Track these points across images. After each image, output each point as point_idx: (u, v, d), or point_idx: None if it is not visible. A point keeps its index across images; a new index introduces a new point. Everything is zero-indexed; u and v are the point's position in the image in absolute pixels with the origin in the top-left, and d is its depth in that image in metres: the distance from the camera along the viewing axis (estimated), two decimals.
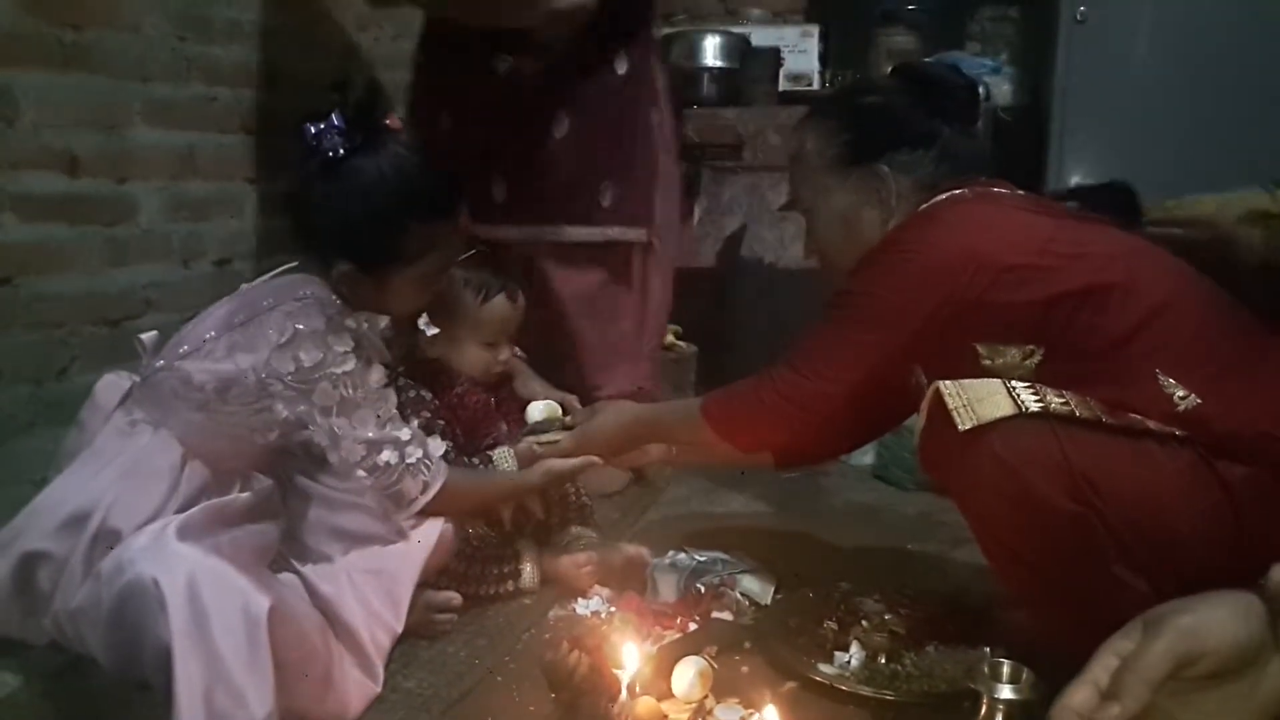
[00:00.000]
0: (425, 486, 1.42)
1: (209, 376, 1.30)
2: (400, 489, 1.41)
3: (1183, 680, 0.73)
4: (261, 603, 1.13)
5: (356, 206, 1.37)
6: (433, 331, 1.74)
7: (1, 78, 1.76)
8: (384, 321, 1.49)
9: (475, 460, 1.68)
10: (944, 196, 1.43)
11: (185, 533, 1.17)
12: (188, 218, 2.13)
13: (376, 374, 1.41)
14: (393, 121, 1.42)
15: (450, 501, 1.47)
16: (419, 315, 1.67)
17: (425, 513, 1.45)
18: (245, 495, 1.29)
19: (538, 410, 1.76)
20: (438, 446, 1.48)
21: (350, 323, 1.38)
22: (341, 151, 1.35)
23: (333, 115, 1.34)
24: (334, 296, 1.39)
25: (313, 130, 1.35)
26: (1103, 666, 0.75)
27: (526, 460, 1.64)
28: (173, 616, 1.08)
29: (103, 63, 1.92)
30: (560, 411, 1.77)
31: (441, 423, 1.70)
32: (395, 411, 1.43)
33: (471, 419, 1.74)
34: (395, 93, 2.74)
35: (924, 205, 1.44)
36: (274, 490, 1.37)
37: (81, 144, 1.90)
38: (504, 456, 1.69)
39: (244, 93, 2.20)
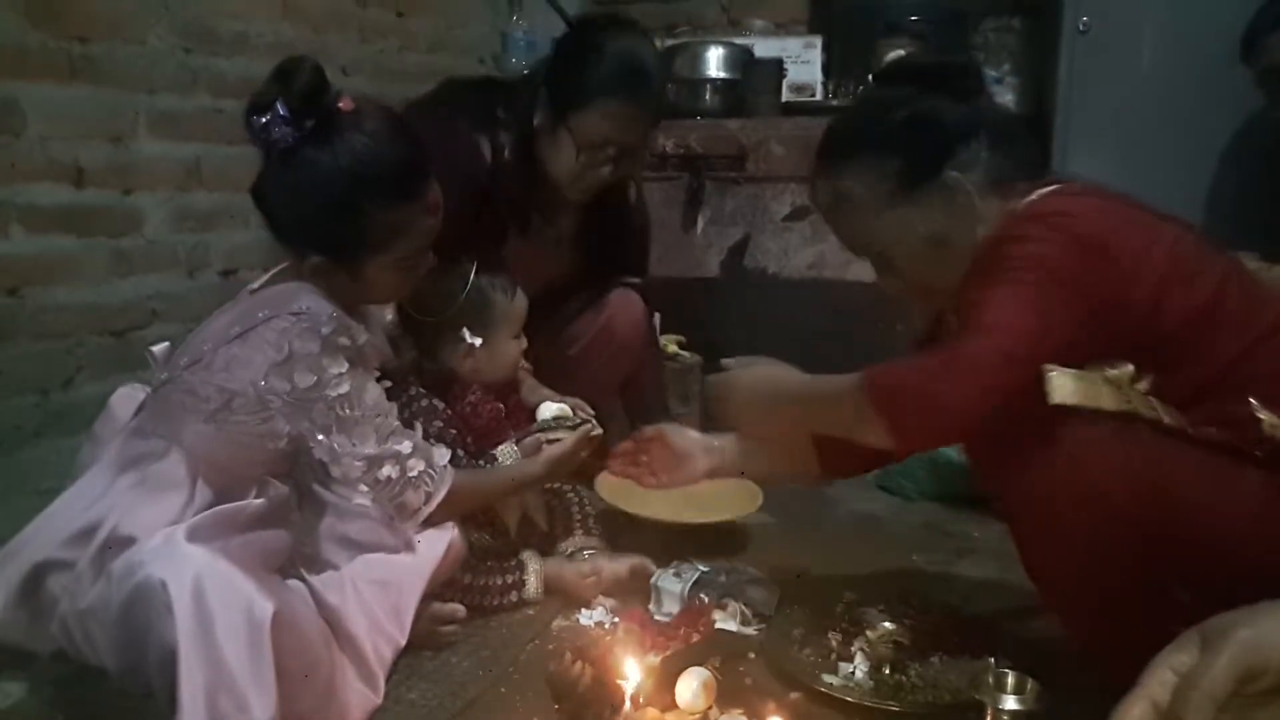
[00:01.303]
0: (428, 497, 1.43)
1: (212, 389, 1.30)
2: (403, 501, 1.41)
3: (1242, 696, 0.69)
4: (266, 608, 1.13)
5: (315, 198, 1.33)
6: (478, 342, 1.73)
7: (9, 90, 1.77)
8: (388, 315, 1.49)
9: (482, 463, 1.69)
10: (1053, 188, 1.33)
11: (195, 535, 1.17)
12: (193, 228, 2.14)
13: (374, 391, 1.40)
14: (345, 104, 1.34)
15: (457, 505, 1.47)
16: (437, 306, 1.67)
17: (432, 520, 1.45)
18: (258, 501, 1.30)
19: (548, 410, 1.78)
20: (442, 455, 1.48)
21: (344, 340, 1.36)
22: (291, 141, 1.29)
23: (277, 104, 1.27)
24: (329, 304, 1.36)
25: (260, 121, 1.28)
26: (1159, 682, 0.71)
27: (532, 454, 1.66)
28: (179, 619, 1.08)
29: (109, 75, 1.94)
30: (570, 412, 1.78)
31: (454, 431, 1.71)
32: (396, 424, 1.42)
33: (484, 427, 1.75)
34: (401, 105, 2.76)
35: (1033, 195, 1.32)
36: (289, 496, 1.38)
37: (88, 155, 1.91)
38: (508, 453, 1.70)
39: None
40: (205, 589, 1.11)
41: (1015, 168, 1.36)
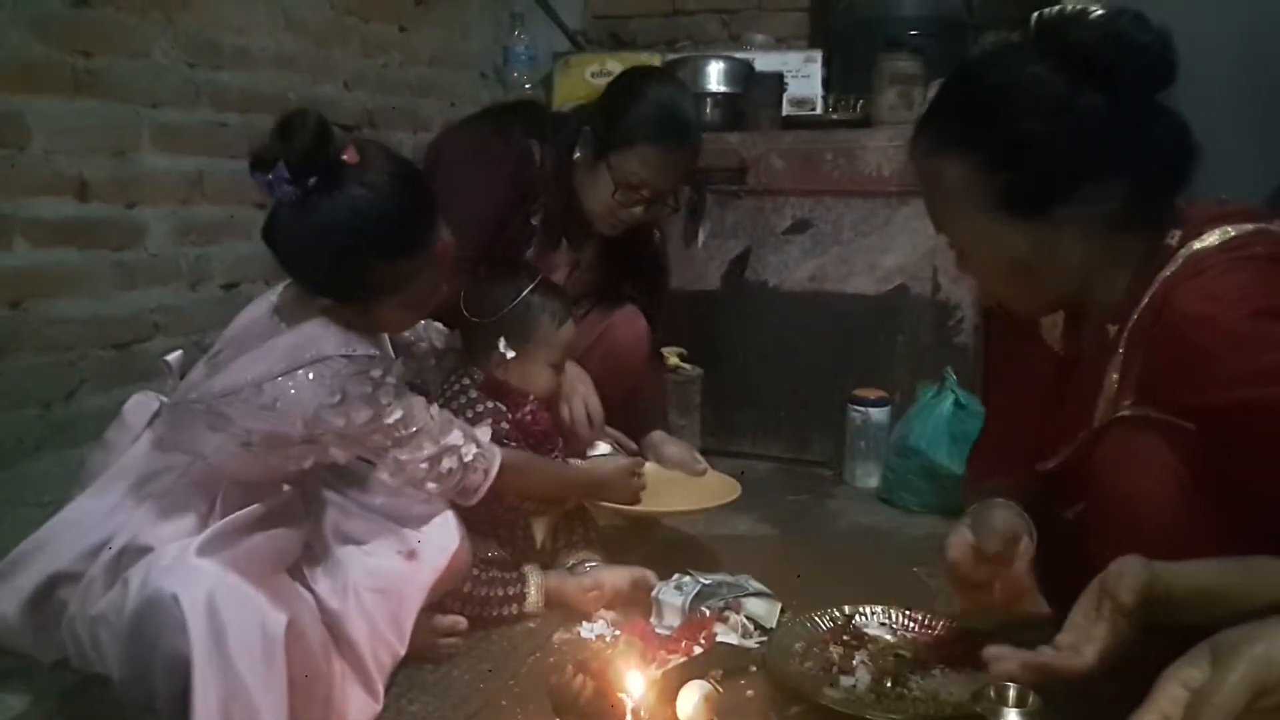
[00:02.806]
0: (485, 474, 1.52)
1: (254, 421, 1.29)
2: (465, 485, 1.49)
3: (1255, 713, 0.68)
4: (279, 620, 1.15)
5: (319, 249, 1.34)
6: (511, 354, 1.77)
7: (13, 104, 1.78)
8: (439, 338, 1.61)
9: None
10: (1251, 227, 1.13)
11: (206, 548, 1.19)
12: (196, 242, 2.15)
13: (419, 402, 1.44)
14: (349, 156, 1.33)
15: (516, 478, 1.59)
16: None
17: (494, 494, 1.55)
18: (259, 506, 1.30)
19: (601, 450, 1.95)
20: (484, 433, 1.58)
21: (391, 378, 1.39)
22: (294, 199, 1.29)
23: (279, 165, 1.27)
24: (364, 343, 1.38)
25: (264, 178, 1.29)
26: (1169, 698, 0.71)
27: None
28: (193, 634, 1.10)
29: (113, 89, 1.94)
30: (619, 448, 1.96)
31: (514, 440, 1.74)
32: (442, 417, 1.48)
33: (539, 436, 1.80)
34: (402, 118, 2.78)
35: (1210, 232, 1.13)
36: (294, 497, 1.39)
37: (92, 169, 1.91)
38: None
39: (253, 118, 2.21)
40: (218, 603, 1.12)
41: (1161, 202, 1.18)
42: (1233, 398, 1.04)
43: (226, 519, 1.26)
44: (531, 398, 1.79)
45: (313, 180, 1.29)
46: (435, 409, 1.47)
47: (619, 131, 1.94)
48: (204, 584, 1.13)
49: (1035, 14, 1.20)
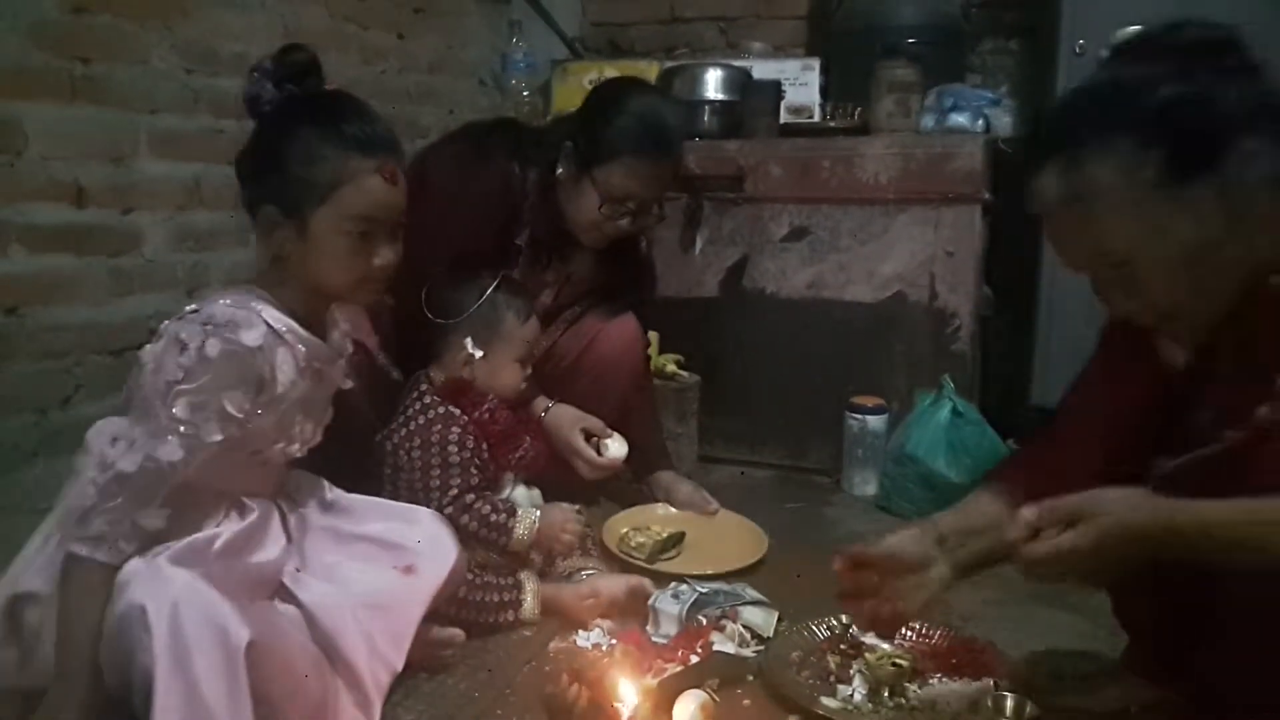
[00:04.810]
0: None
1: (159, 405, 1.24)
2: None
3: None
4: (242, 634, 1.13)
5: (275, 140, 1.35)
6: (479, 354, 1.77)
7: (10, 110, 1.78)
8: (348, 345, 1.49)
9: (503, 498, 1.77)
10: None
11: (178, 559, 1.18)
12: (192, 248, 2.15)
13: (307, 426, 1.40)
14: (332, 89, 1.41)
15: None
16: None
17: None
18: (231, 528, 1.29)
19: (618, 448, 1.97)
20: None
21: (285, 370, 1.31)
22: (269, 101, 1.35)
23: (266, 63, 1.35)
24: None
25: (252, 78, 1.35)
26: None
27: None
28: (156, 647, 1.09)
29: (111, 95, 1.94)
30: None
31: (472, 438, 1.74)
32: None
33: (500, 434, 1.79)
34: (401, 125, 2.77)
35: None
36: (271, 514, 1.38)
37: (88, 175, 1.92)
38: (525, 497, 1.82)
39: (250, 125, 2.21)
40: (182, 615, 1.11)
41: None
42: None
43: (200, 535, 1.25)
44: (490, 397, 1.79)
45: (290, 88, 1.35)
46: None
47: (601, 145, 1.91)
48: (171, 594, 1.12)
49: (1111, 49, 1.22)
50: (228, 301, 1.29)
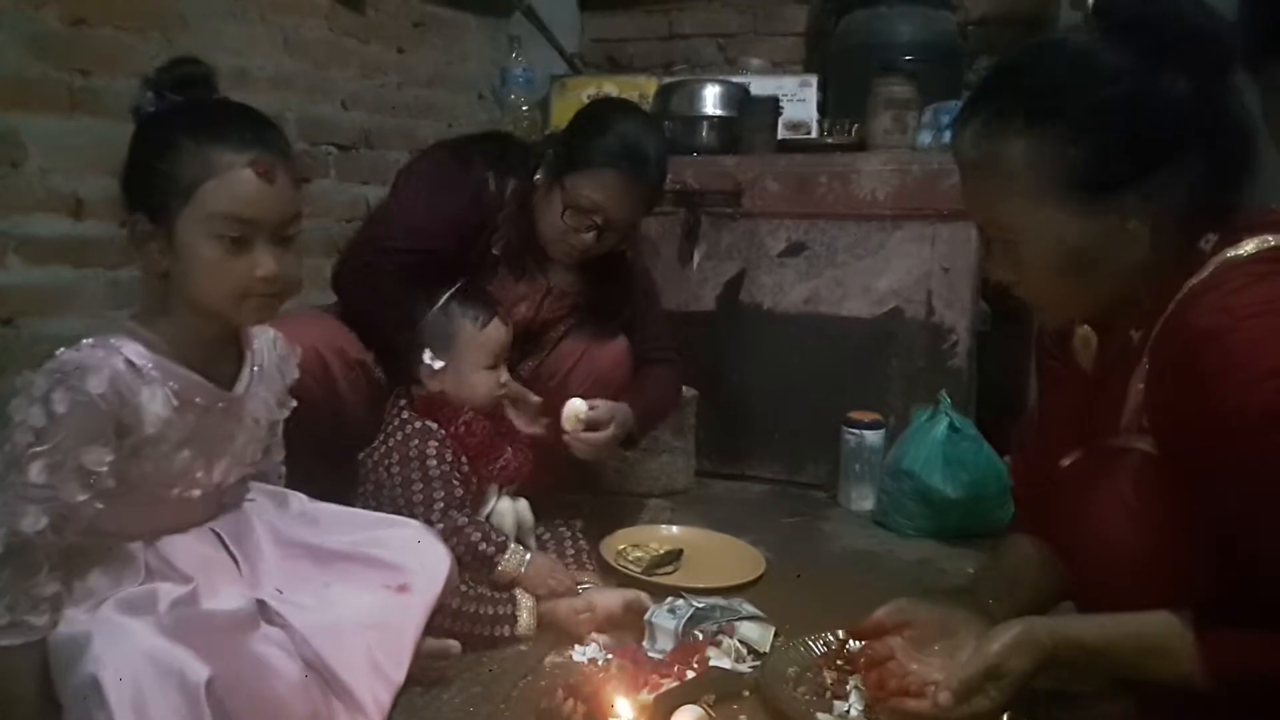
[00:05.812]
0: None
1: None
2: None
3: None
4: (200, 673, 1.10)
5: (147, 144, 1.24)
6: (438, 365, 1.76)
7: (10, 122, 1.78)
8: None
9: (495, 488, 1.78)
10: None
11: (125, 607, 1.17)
12: None
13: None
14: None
15: None
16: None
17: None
18: (183, 591, 1.23)
19: (577, 407, 1.89)
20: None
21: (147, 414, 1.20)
22: (150, 107, 1.24)
23: (152, 73, 1.25)
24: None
25: (140, 86, 1.24)
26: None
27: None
28: (113, 704, 1.06)
29: (110, 107, 1.95)
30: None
31: (450, 452, 1.73)
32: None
33: (478, 446, 1.77)
34: (399, 139, 2.78)
35: (1246, 241, 1.05)
36: (212, 556, 1.33)
37: (87, 187, 1.92)
38: (507, 511, 1.82)
39: None
40: (139, 675, 1.08)
41: (1222, 200, 1.09)
42: (1219, 435, 0.99)
43: (139, 589, 1.21)
44: (466, 410, 1.77)
45: (174, 98, 1.24)
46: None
47: (576, 154, 1.92)
48: (123, 650, 1.09)
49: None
50: (91, 341, 1.19)
